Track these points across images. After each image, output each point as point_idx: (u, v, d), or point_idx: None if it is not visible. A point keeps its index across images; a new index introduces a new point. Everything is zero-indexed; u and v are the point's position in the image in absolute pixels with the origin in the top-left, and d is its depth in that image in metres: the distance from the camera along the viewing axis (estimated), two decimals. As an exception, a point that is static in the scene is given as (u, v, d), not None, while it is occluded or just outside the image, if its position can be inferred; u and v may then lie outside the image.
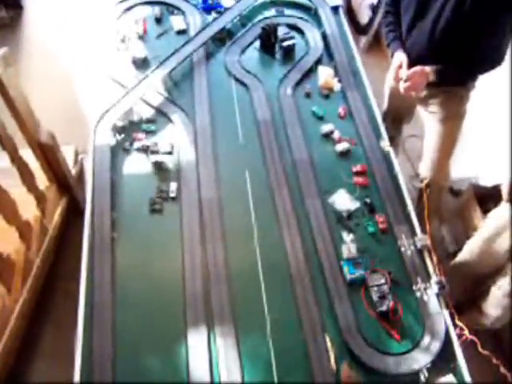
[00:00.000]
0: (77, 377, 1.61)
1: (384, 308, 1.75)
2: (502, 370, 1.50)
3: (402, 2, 2.22)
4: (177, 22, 2.78)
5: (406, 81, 2.15)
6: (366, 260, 1.88)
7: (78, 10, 4.17)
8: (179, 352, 1.66)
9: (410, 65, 2.17)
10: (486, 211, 2.44)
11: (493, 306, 2.23)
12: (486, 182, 2.76)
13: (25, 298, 2.30)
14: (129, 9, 2.86)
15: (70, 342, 1.69)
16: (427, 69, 2.11)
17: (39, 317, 2.53)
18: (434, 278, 1.82)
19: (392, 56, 2.31)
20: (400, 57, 2.22)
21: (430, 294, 1.80)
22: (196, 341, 1.68)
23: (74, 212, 2.91)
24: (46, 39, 4.25)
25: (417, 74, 2.12)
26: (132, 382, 1.61)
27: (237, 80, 2.50)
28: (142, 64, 2.54)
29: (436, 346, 1.68)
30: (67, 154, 2.87)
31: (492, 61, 2.08)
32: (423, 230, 1.97)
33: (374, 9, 3.85)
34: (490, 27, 1.98)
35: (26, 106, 2.32)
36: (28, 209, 2.41)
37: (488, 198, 2.27)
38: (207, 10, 2.87)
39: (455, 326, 1.73)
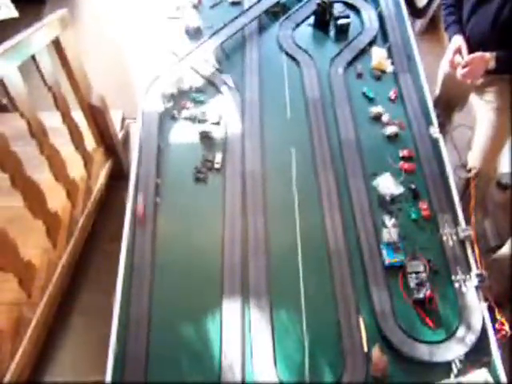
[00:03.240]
0: (113, 335, 1.66)
1: (421, 295, 1.73)
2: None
3: None
4: (232, -8, 2.77)
5: (463, 66, 2.09)
6: (406, 246, 1.86)
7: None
8: (213, 321, 1.69)
9: (469, 50, 2.11)
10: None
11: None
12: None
13: (68, 254, 2.37)
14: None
15: (108, 301, 1.74)
16: (487, 55, 2.04)
17: (79, 275, 2.60)
18: (475, 271, 1.79)
19: (449, 40, 2.24)
20: (458, 41, 2.15)
21: (469, 286, 1.77)
22: (230, 311, 1.70)
23: (117, 175, 2.97)
24: (100, 4, 4.29)
25: (476, 59, 2.05)
26: (165, 347, 1.65)
27: (288, 55, 2.48)
28: (194, 33, 2.55)
29: (471, 339, 1.66)
30: (115, 118, 2.92)
31: None
32: (467, 221, 1.93)
33: (433, -9, 3.74)
34: None
35: (80, 69, 2.37)
36: (75, 168, 2.46)
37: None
38: (264, -17, 2.83)
39: (495, 320, 1.70)
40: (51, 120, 2.19)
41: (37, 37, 1.98)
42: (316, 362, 1.62)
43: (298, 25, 2.63)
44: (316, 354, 1.64)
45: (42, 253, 2.19)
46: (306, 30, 2.63)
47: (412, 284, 1.77)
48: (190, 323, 1.70)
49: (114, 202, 2.87)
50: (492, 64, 2.04)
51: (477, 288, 1.76)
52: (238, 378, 1.58)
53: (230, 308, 1.71)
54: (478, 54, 2.05)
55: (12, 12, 3.39)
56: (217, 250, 1.84)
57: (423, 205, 1.98)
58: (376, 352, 1.62)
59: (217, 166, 2.05)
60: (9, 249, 1.87)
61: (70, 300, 2.52)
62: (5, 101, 3.06)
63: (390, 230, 1.88)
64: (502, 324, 1.65)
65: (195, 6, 2.71)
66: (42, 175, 2.13)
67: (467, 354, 1.63)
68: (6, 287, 2.02)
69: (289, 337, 1.67)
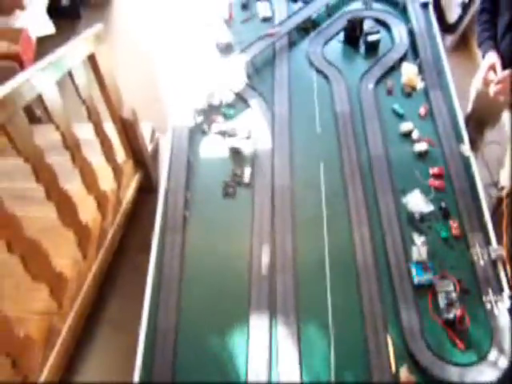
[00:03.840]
0: (140, 347, 1.68)
1: (451, 316, 1.70)
2: None
3: (501, 1, 2.13)
4: (263, 8, 2.80)
5: (497, 84, 2.07)
6: (436, 265, 1.84)
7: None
8: (240, 336, 1.69)
9: (503, 68, 2.09)
10: None
11: None
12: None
13: (97, 265, 2.40)
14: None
15: (136, 312, 1.76)
16: (522, 72, 2.02)
17: (107, 286, 2.64)
18: (507, 292, 1.76)
19: (483, 57, 2.22)
20: (492, 58, 2.13)
21: (501, 308, 1.73)
22: (257, 326, 1.70)
23: (145, 188, 3.01)
24: (133, 18, 4.39)
25: (510, 77, 2.03)
26: (192, 359, 1.66)
27: (318, 71, 2.49)
28: (225, 49, 2.58)
29: (504, 363, 1.62)
30: (145, 130, 2.97)
31: None
32: (499, 241, 1.90)
33: (465, 7, 3.71)
34: None
35: (113, 83, 2.42)
36: (105, 180, 2.50)
37: None
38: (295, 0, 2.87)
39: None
40: (84, 131, 2.24)
41: (73, 52, 2.04)
42: (343, 379, 1.61)
43: (328, 41, 2.64)
44: (343, 372, 1.62)
45: (72, 263, 2.23)
46: (336, 46, 2.64)
47: (442, 303, 1.74)
48: (216, 337, 1.70)
49: (143, 215, 2.90)
50: (526, 82, 2.02)
51: (510, 309, 1.72)
52: (265, 393, 1.57)
53: (257, 323, 1.71)
54: None
55: (50, 28, 3.49)
56: (245, 264, 1.85)
57: (453, 223, 1.95)
58: (404, 372, 1.60)
59: (246, 180, 2.06)
60: (42, 259, 1.90)
61: (99, 310, 2.55)
62: (39, 112, 3.14)
63: (420, 249, 1.86)
64: (536, 348, 1.61)
65: (226, 22, 2.74)
66: (74, 185, 2.17)
67: (500, 379, 1.59)
68: (38, 297, 2.06)
69: (316, 353, 1.66)
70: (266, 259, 1.85)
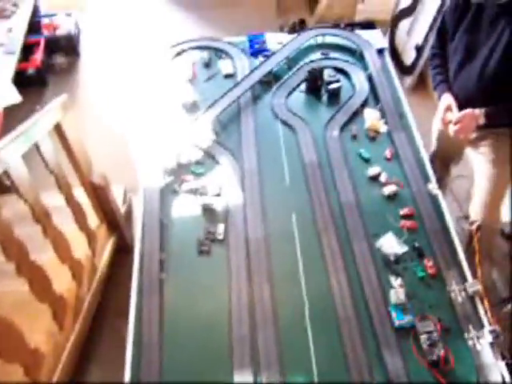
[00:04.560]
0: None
1: (434, 357, 1.70)
2: None
3: (450, 45, 2.23)
4: (225, 66, 2.87)
5: (455, 123, 2.14)
6: (415, 306, 1.84)
7: (130, 56, 4.36)
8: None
9: (458, 107, 2.16)
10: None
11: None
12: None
13: (75, 335, 2.34)
14: (180, 53, 2.97)
15: (118, 378, 1.72)
16: (477, 111, 2.09)
17: (87, 354, 2.57)
18: (487, 327, 1.76)
19: (439, 99, 2.30)
20: (448, 99, 2.22)
21: (484, 344, 1.73)
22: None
23: (121, 250, 2.98)
24: (100, 81, 4.45)
25: (466, 116, 2.10)
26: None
27: (283, 122, 2.54)
28: (191, 107, 2.62)
29: (491, 398, 1.62)
30: (117, 192, 2.96)
31: None
32: (474, 275, 1.92)
33: (419, 49, 3.86)
34: None
35: (81, 149, 2.43)
36: (79, 247, 2.47)
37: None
38: (254, 54, 2.95)
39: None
40: (54, 199, 2.21)
41: (39, 124, 2.05)
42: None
43: (290, 92, 2.71)
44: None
45: (48, 337, 2.16)
46: (299, 97, 2.70)
47: (424, 345, 1.74)
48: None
49: (121, 277, 2.86)
50: (482, 120, 2.09)
51: (492, 344, 1.72)
52: None
53: (242, 380, 1.68)
54: (468, 110, 2.10)
55: (16, 97, 3.50)
56: (224, 321, 1.83)
57: (428, 262, 1.97)
58: (394, 420, 1.58)
59: (219, 237, 2.06)
60: (14, 337, 1.85)
61: (81, 377, 2.48)
62: (8, 182, 3.11)
63: (398, 291, 1.86)
64: (522, 382, 1.61)
65: (190, 81, 2.80)
66: (47, 255, 2.14)
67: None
68: (15, 376, 1.98)
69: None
70: (245, 314, 1.83)
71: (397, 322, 1.80)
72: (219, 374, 1.71)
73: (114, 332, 2.60)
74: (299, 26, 4.36)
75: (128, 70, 4.10)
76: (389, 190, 2.20)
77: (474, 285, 1.88)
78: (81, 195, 2.52)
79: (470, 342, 1.76)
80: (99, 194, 2.63)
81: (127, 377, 1.71)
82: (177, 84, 2.76)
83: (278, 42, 3.00)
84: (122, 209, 3.05)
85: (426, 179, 2.26)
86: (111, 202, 2.72)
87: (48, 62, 4.55)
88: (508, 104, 2.07)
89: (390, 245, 2.01)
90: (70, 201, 2.33)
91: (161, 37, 4.55)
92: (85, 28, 4.94)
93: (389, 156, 2.36)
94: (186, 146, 2.41)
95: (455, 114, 2.15)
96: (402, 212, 2.13)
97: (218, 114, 2.52)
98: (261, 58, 2.91)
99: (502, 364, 1.68)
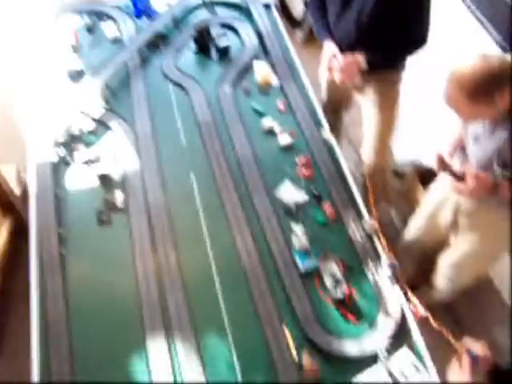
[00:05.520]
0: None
1: (339, 295, 1.79)
2: (453, 341, 1.55)
3: None
4: (109, 29, 2.74)
5: (340, 71, 2.19)
6: (318, 249, 1.92)
7: (10, 22, 4.05)
8: (140, 362, 1.66)
9: (341, 53, 2.22)
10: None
11: (440, 278, 2.31)
12: (428, 161, 2.85)
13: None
14: (60, 19, 2.79)
15: (27, 367, 1.65)
16: (358, 57, 2.15)
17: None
18: (385, 260, 1.87)
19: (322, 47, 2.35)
20: (330, 47, 2.26)
21: (383, 276, 1.85)
22: (156, 349, 1.67)
23: (20, 232, 2.83)
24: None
25: (349, 63, 2.16)
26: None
27: (175, 84, 2.49)
28: (77, 76, 2.50)
29: (392, 325, 1.73)
30: (8, 173, 2.79)
31: (415, 41, 2.16)
32: (370, 214, 2.02)
33: (306, 3, 3.90)
34: (410, 11, 2.05)
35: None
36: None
37: (430, 176, 2.35)
38: (139, 16, 2.84)
39: (409, 303, 1.78)
40: None
41: None
42: (249, 379, 1.63)
43: (179, 53, 2.65)
44: (249, 373, 1.64)
45: None
46: (189, 57, 2.65)
47: (329, 285, 1.82)
48: (116, 369, 1.65)
49: (22, 260, 2.72)
50: (364, 65, 2.16)
51: (390, 276, 1.84)
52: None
53: (155, 345, 1.68)
54: (350, 58, 2.16)
55: None
56: (132, 289, 1.81)
57: (327, 206, 2.04)
58: (306, 359, 1.65)
59: (119, 205, 2.01)
60: None
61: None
62: None
63: (300, 237, 1.93)
64: (415, 306, 1.73)
65: (74, 48, 2.65)
66: None
67: (391, 340, 1.70)
68: None
69: (219, 361, 1.66)
70: (152, 280, 1.82)
71: (302, 267, 1.86)
72: (132, 341, 1.70)
73: (20, 316, 2.48)
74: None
75: (6, 41, 3.84)
76: (284, 140, 2.24)
77: (369, 223, 1.98)
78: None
79: (371, 276, 1.86)
80: (-13, 176, 2.47)
81: (35, 366, 1.64)
82: (60, 52, 2.60)
83: (164, 3, 2.90)
84: (18, 190, 2.88)
85: (319, 127, 2.31)
86: (1, 182, 2.56)
87: None
88: (385, 46, 2.14)
89: (290, 193, 2.06)
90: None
91: (40, 3, 4.25)
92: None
93: (282, 108, 2.39)
94: (76, 116, 2.30)
95: (340, 61, 2.20)
96: (299, 161, 2.18)
97: (107, 79, 2.42)
98: (146, 20, 2.81)
99: (399, 292, 1.80)
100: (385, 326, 1.74)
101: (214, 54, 2.65)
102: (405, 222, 2.59)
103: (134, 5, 2.88)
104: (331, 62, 2.25)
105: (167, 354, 1.66)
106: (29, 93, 2.43)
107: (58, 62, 2.55)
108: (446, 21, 2.51)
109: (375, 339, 1.71)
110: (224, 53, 2.63)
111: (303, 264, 1.87)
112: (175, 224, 1.98)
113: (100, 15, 2.83)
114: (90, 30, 2.77)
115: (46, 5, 2.85)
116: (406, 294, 1.80)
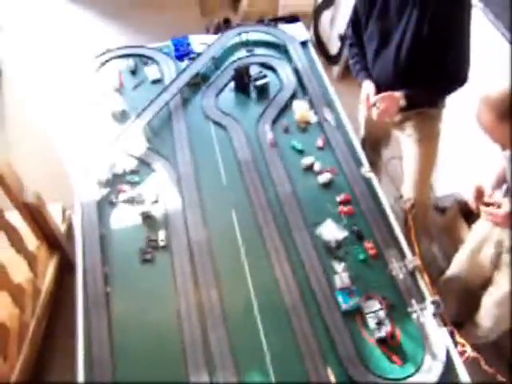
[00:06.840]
0: None
1: (382, 334, 1.76)
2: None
3: (365, 34, 2.30)
4: (151, 71, 2.84)
5: (377, 107, 2.21)
6: (360, 288, 1.90)
7: (55, 68, 4.23)
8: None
9: (379, 92, 2.23)
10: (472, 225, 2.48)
11: (485, 317, 2.24)
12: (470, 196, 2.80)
13: (21, 363, 2.26)
14: (104, 64, 2.91)
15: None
16: (396, 94, 2.17)
17: (42, 376, 2.50)
18: (429, 298, 1.84)
19: (360, 86, 2.37)
20: (368, 86, 2.28)
21: (427, 315, 1.81)
22: (198, 387, 1.67)
23: (66, 268, 2.90)
24: (24, 100, 4.29)
25: (386, 99, 2.17)
26: None
27: (215, 123, 2.54)
28: (120, 117, 2.58)
29: (439, 367, 1.69)
30: (55, 211, 2.88)
31: (455, 80, 2.16)
32: (412, 252, 2.00)
33: (343, 38, 3.95)
34: (449, 49, 2.06)
35: (9, 170, 2.34)
36: (19, 271, 2.39)
37: (473, 211, 2.31)
38: (180, 57, 2.93)
39: (456, 343, 1.73)
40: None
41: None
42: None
43: (219, 92, 2.71)
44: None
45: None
46: (229, 96, 2.71)
47: (372, 324, 1.80)
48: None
49: (67, 296, 2.78)
50: (403, 102, 2.17)
51: (434, 315, 1.80)
52: None
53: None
54: (387, 93, 2.18)
55: None
56: (175, 327, 1.82)
57: (368, 244, 2.03)
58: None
59: (162, 243, 2.05)
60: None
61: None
62: None
63: (341, 275, 1.92)
64: (463, 346, 1.68)
65: (118, 90, 2.75)
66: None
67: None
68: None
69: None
70: (195, 318, 1.83)
71: (343, 306, 1.84)
72: (175, 379, 1.71)
73: (66, 353, 2.53)
74: (224, 26, 4.36)
75: (53, 85, 4.00)
76: (324, 178, 2.24)
77: (412, 260, 1.95)
78: (16, 217, 2.43)
79: (415, 315, 1.82)
80: (34, 214, 2.54)
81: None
82: (104, 94, 2.70)
83: (202, 43, 2.99)
84: (62, 227, 2.97)
85: (359, 164, 2.32)
86: (49, 221, 2.64)
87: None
88: (424, 84, 2.16)
89: (330, 231, 2.05)
90: (3, 225, 2.25)
91: (84, 48, 4.44)
92: (4, 47, 4.76)
93: (321, 145, 2.40)
94: (120, 156, 2.37)
95: (377, 99, 2.21)
96: (339, 198, 2.18)
97: (149, 120, 2.50)
98: (187, 61, 2.89)
99: (444, 331, 1.76)
100: (431, 368, 1.70)
101: (252, 92, 2.70)
102: (448, 259, 2.54)
103: (175, 47, 2.98)
104: (370, 100, 2.26)
105: (210, 393, 1.66)
106: (74, 133, 2.52)
107: (102, 104, 2.65)
108: (485, 52, 2.50)
109: (421, 381, 1.67)
110: (263, 91, 2.68)
111: (344, 303, 1.85)
112: (217, 261, 1.99)
113: (143, 58, 2.93)
114: (134, 72, 2.87)
115: (92, 50, 2.97)
116: (452, 333, 1.76)
